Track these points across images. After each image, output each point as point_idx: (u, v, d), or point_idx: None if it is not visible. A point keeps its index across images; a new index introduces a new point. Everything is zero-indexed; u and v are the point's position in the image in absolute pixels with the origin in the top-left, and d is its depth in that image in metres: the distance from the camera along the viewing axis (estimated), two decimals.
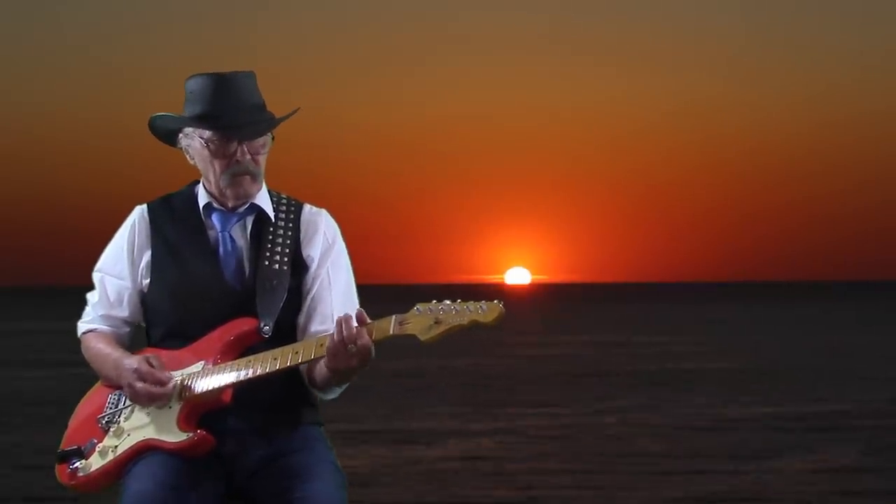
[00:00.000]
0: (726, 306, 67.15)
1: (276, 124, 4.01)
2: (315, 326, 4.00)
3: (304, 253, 4.04)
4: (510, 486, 10.27)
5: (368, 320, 3.79)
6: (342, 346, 3.75)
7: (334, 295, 4.02)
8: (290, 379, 3.99)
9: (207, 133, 3.97)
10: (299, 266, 4.02)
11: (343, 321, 3.76)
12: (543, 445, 12.69)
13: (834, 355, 26.20)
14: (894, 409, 15.69)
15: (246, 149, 3.97)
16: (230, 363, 3.89)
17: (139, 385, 3.87)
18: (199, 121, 3.98)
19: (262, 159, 4.02)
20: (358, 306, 4.02)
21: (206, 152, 3.99)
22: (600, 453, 12.06)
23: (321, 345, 3.81)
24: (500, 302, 3.72)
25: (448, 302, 3.75)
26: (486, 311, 3.71)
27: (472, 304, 3.73)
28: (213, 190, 4.03)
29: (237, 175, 3.98)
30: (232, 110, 3.95)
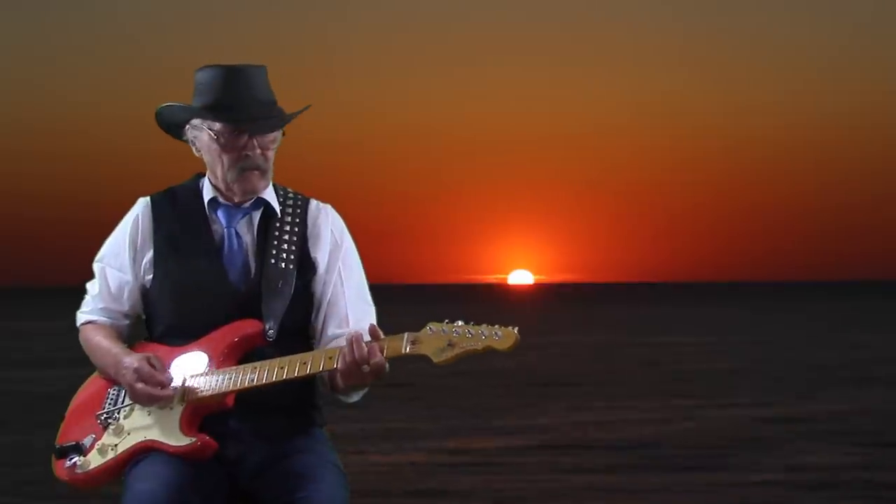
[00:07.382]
0: (724, 306, 67.17)
1: (289, 120, 3.94)
2: (332, 330, 3.97)
3: (312, 253, 3.99)
4: (515, 488, 10.26)
5: (381, 335, 3.73)
6: (355, 366, 3.71)
7: (348, 296, 3.98)
8: (293, 381, 3.95)
9: (217, 126, 3.90)
10: (306, 266, 3.97)
11: (354, 341, 3.71)
12: (546, 447, 12.68)
13: (819, 355, 26.17)
14: (885, 411, 15.64)
15: (256, 143, 3.91)
16: (235, 367, 3.84)
17: (139, 386, 3.83)
18: (211, 111, 3.89)
19: (272, 154, 3.96)
20: (371, 304, 4.04)
21: (215, 145, 3.91)
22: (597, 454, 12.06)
23: (330, 358, 3.76)
24: (515, 328, 3.63)
25: (461, 323, 3.67)
26: (501, 338, 3.61)
27: (486, 329, 3.63)
28: (220, 184, 3.97)
29: (246, 170, 3.92)
30: (244, 103, 3.87)
